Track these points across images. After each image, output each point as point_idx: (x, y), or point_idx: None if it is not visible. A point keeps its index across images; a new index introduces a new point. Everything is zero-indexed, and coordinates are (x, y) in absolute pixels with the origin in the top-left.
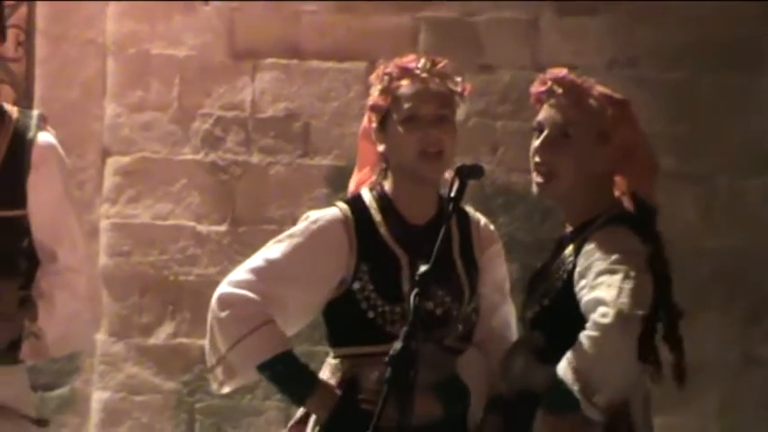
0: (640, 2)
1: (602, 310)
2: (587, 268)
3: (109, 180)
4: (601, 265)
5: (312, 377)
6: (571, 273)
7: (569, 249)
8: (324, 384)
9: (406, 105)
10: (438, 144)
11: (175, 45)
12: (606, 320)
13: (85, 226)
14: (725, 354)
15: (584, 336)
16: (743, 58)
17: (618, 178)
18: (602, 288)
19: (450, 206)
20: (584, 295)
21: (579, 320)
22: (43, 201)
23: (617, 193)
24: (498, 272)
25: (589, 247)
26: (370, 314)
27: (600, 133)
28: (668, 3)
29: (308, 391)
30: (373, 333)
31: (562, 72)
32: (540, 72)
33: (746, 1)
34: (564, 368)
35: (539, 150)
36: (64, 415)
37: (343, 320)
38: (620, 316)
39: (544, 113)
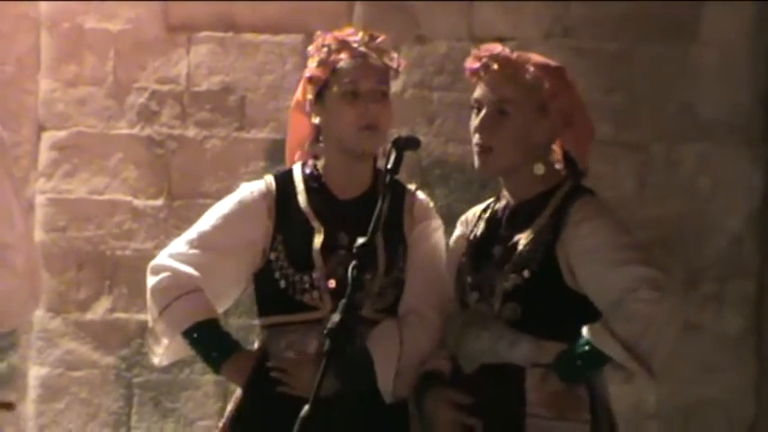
0: None
1: (645, 282)
2: (595, 240)
3: (44, 155)
4: (611, 236)
5: (230, 345)
6: (550, 245)
7: (540, 221)
8: (242, 352)
9: (347, 80)
10: (376, 119)
11: (109, 19)
12: (658, 293)
13: (21, 202)
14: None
15: (634, 308)
16: (678, 28)
17: (555, 144)
18: (630, 260)
19: (387, 178)
20: (603, 267)
21: (560, 292)
22: None
23: (554, 159)
24: (429, 248)
25: (578, 218)
26: (282, 283)
27: (539, 106)
28: None
29: (224, 358)
30: (285, 302)
31: (497, 48)
32: (476, 43)
33: None
34: (610, 341)
35: (478, 129)
36: (1, 391)
37: (263, 291)
38: (666, 284)
39: (481, 91)
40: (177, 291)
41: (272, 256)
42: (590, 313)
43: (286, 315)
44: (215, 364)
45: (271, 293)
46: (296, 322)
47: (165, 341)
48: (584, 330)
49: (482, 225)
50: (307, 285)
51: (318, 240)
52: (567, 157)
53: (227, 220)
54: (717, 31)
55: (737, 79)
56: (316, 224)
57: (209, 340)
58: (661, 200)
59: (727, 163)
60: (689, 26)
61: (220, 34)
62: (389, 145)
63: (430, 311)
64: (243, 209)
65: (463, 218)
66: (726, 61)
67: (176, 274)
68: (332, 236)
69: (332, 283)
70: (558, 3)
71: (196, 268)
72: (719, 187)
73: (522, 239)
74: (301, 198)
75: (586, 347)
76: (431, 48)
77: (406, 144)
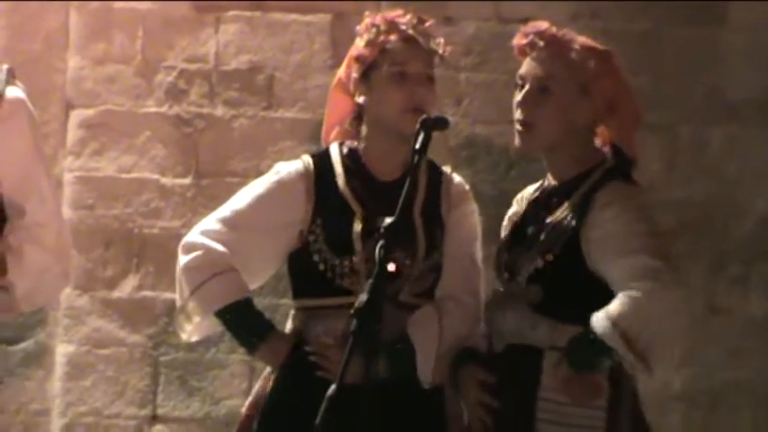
0: None
1: (649, 272)
2: (612, 227)
3: (72, 133)
4: (628, 223)
5: (266, 326)
6: (575, 229)
7: (568, 205)
8: (278, 334)
9: (396, 61)
10: (423, 103)
11: None
12: (657, 284)
13: (51, 180)
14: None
15: (633, 297)
16: (706, 10)
17: (600, 129)
18: (639, 249)
19: (415, 159)
20: (615, 254)
21: (582, 276)
22: (12, 155)
23: (597, 144)
24: (465, 232)
25: (603, 203)
26: (321, 267)
27: (581, 86)
28: None
29: (259, 340)
30: (323, 286)
31: (543, 25)
32: (503, 24)
33: None
34: (608, 329)
35: (520, 105)
36: (28, 369)
37: (299, 273)
38: (669, 277)
39: (526, 67)
40: (211, 269)
41: (311, 238)
42: (611, 298)
43: (324, 299)
44: (251, 345)
45: (308, 276)
46: (334, 306)
47: (197, 320)
48: (593, 318)
49: (525, 205)
50: (347, 270)
51: (358, 224)
52: (614, 148)
53: (264, 199)
54: (745, 14)
55: (765, 61)
56: (355, 207)
57: (244, 321)
58: (688, 182)
59: (754, 145)
60: (717, 8)
61: (249, 13)
62: (417, 125)
63: (468, 297)
64: (281, 189)
65: (519, 196)
66: (754, 43)
67: (210, 252)
68: (371, 219)
69: (392, 267)
70: None
71: (230, 247)
72: (746, 169)
73: (550, 222)
74: (340, 179)
75: (592, 335)
76: (458, 28)
77: (434, 124)
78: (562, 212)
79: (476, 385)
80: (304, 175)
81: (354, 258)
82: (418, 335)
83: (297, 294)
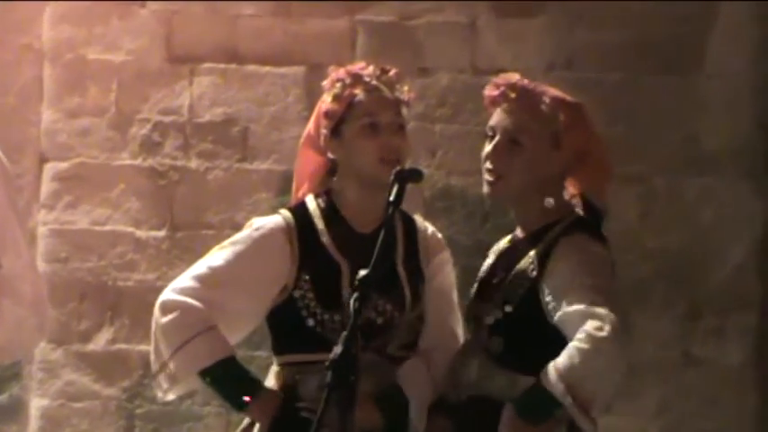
0: (578, 3)
1: (595, 324)
2: (563, 278)
3: (46, 186)
4: (579, 276)
5: (253, 383)
6: (534, 280)
7: (530, 255)
8: (266, 391)
9: (366, 113)
10: (397, 152)
11: (112, 50)
12: (603, 334)
13: (25, 232)
14: (665, 353)
15: (577, 349)
16: (681, 59)
17: (569, 181)
18: (587, 300)
19: (390, 210)
20: (564, 306)
21: (542, 327)
22: None
23: (567, 196)
24: (445, 281)
25: (559, 255)
26: (310, 322)
27: (552, 138)
28: (606, 3)
29: (250, 397)
30: (313, 341)
31: (515, 77)
32: (478, 76)
33: (684, 1)
34: (553, 381)
35: (490, 157)
36: (2, 423)
37: (285, 328)
38: (616, 330)
39: (496, 118)
40: (194, 329)
41: (297, 294)
42: None
43: (315, 354)
44: (240, 402)
45: (296, 332)
46: (325, 361)
47: (180, 379)
48: (543, 370)
49: (494, 257)
50: (337, 325)
51: (346, 278)
52: (584, 199)
53: (246, 255)
54: (721, 63)
55: (741, 111)
56: (340, 260)
57: (232, 379)
58: (663, 232)
59: (729, 195)
60: (693, 57)
61: (223, 65)
62: (392, 177)
63: (452, 346)
64: (263, 245)
65: (495, 247)
66: (729, 93)
67: (191, 310)
68: (357, 272)
69: (380, 321)
70: (560, 35)
71: (210, 305)
72: (722, 219)
73: (513, 273)
74: (323, 233)
75: (541, 388)
76: (433, 80)
77: (408, 176)
78: (524, 264)
79: None
80: (285, 230)
81: (345, 313)
82: (410, 387)
83: (283, 350)
